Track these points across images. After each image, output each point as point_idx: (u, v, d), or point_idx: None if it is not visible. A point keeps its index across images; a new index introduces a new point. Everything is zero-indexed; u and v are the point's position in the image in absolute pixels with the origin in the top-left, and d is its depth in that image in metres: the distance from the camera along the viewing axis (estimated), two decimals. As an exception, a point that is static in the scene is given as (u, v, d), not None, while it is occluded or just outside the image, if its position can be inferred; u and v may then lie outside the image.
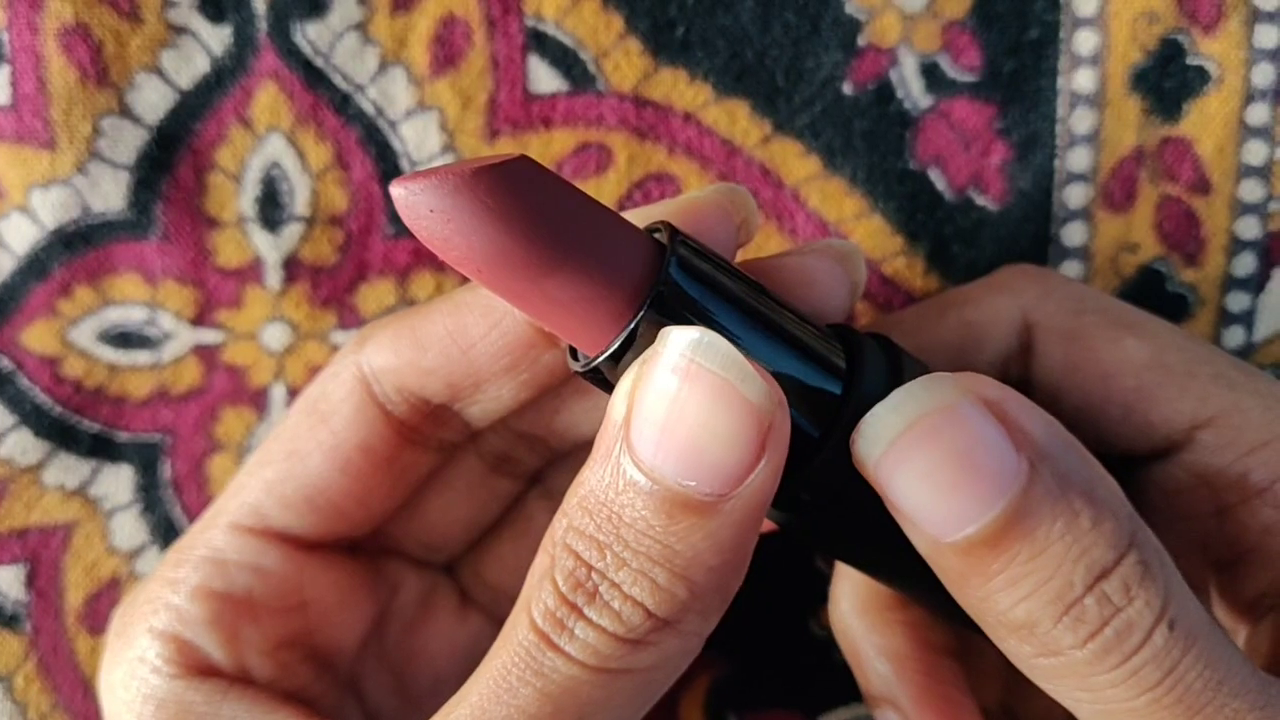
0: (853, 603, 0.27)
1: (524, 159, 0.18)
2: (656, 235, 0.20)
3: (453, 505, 0.27)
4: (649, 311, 0.19)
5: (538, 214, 0.18)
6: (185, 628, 0.23)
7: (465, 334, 0.23)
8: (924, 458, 0.18)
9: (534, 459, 0.27)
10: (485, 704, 0.19)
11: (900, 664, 0.26)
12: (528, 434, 0.26)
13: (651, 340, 0.18)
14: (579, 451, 0.27)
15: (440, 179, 0.18)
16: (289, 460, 0.24)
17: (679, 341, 0.18)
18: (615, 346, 0.19)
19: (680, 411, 0.18)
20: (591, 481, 0.19)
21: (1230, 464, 0.23)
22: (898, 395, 0.19)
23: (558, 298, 0.19)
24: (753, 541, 0.19)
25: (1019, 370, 0.25)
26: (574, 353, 0.21)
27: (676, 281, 0.19)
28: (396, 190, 0.18)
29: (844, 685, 0.29)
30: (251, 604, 0.24)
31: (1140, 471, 0.25)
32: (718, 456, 0.18)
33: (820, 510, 0.21)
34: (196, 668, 0.23)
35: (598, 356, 0.19)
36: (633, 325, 0.19)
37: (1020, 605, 0.18)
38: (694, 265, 0.19)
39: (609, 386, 0.20)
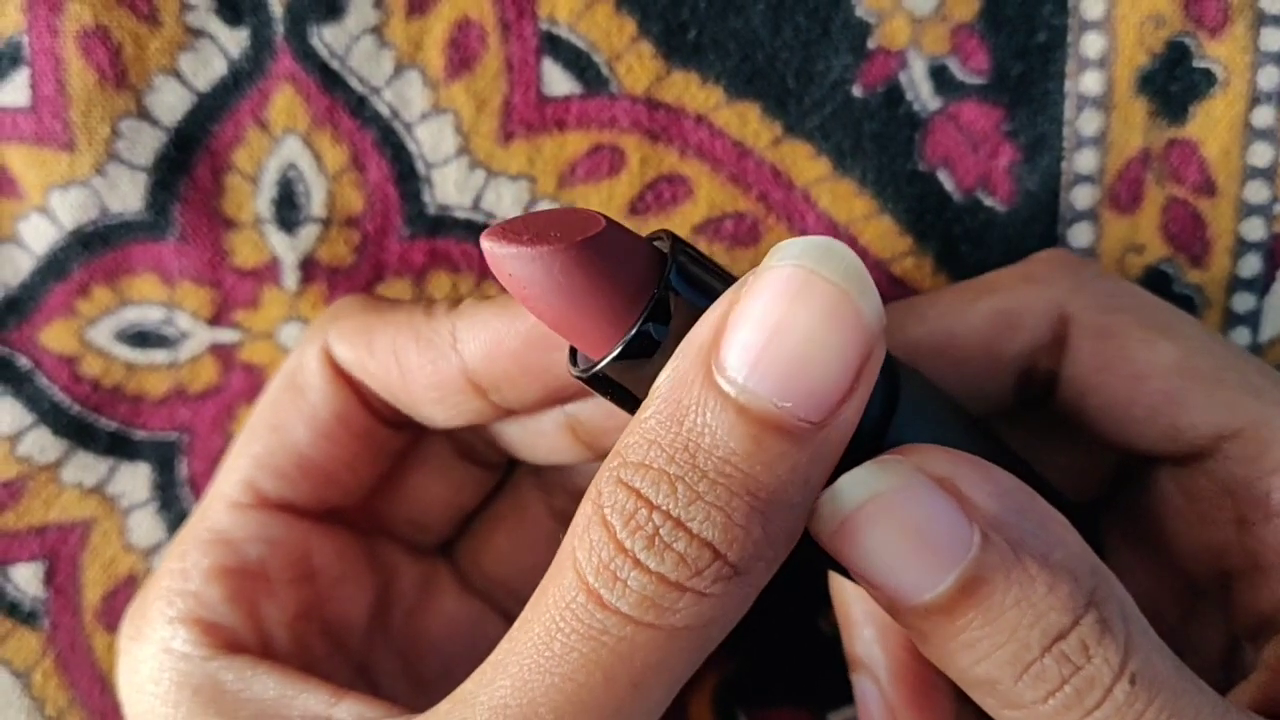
0: None
1: (604, 231, 0.19)
2: (658, 244, 0.20)
3: (430, 483, 0.27)
4: (650, 316, 0.19)
5: (606, 293, 0.19)
6: (206, 610, 0.23)
7: (405, 356, 0.24)
8: (875, 534, 0.18)
9: (495, 455, 0.27)
10: (527, 674, 0.18)
11: (886, 633, 0.26)
12: (485, 435, 0.26)
13: (652, 346, 0.19)
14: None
15: (519, 249, 0.18)
16: (275, 433, 0.24)
17: (796, 248, 0.17)
18: (618, 351, 0.19)
19: (790, 323, 0.16)
20: (665, 411, 0.17)
21: (1254, 479, 0.23)
22: (844, 481, 0.18)
23: (598, 344, 0.20)
24: (821, 489, 0.18)
25: (1048, 363, 0.25)
26: (573, 356, 0.21)
27: (678, 289, 0.19)
28: (485, 243, 0.19)
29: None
30: (265, 576, 0.24)
31: (1164, 473, 0.25)
32: (819, 377, 0.17)
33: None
34: (224, 644, 0.23)
35: (600, 361, 0.19)
36: (634, 331, 0.19)
37: (980, 665, 0.19)
38: (693, 273, 0.19)
39: (608, 387, 0.20)
